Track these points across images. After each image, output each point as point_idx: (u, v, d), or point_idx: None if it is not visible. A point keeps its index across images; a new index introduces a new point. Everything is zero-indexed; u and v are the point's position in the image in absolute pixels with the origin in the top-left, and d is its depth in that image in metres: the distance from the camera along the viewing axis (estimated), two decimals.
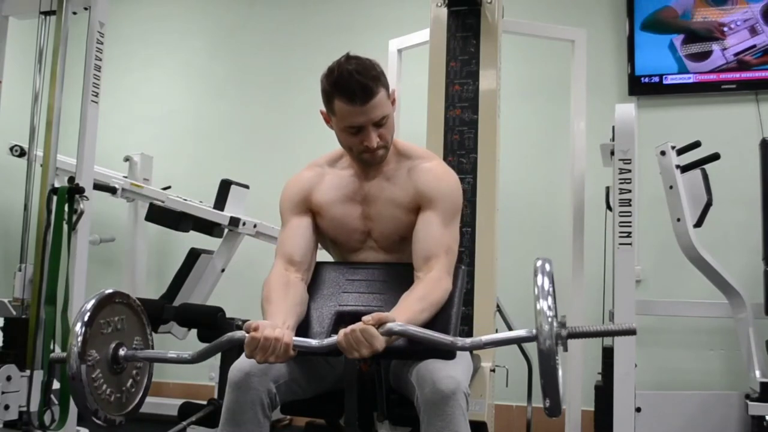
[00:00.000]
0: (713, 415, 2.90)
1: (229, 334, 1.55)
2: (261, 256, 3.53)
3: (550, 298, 1.34)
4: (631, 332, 1.38)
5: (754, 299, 2.94)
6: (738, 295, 2.94)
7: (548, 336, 1.30)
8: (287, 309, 1.62)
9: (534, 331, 1.34)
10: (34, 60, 3.02)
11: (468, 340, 1.47)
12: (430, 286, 1.65)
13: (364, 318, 1.46)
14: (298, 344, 1.51)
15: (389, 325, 1.46)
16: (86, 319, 1.52)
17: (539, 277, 1.37)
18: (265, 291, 1.69)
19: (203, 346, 1.59)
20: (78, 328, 1.50)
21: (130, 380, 1.64)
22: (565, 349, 1.35)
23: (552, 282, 1.36)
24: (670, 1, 3.57)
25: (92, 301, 1.55)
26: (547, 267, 1.38)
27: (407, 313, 1.55)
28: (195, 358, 1.58)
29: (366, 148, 1.75)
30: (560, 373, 1.33)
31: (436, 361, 1.55)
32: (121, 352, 1.59)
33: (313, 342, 1.53)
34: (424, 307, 1.60)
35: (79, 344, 1.48)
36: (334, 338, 1.48)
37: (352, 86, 1.67)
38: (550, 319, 1.31)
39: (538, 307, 1.33)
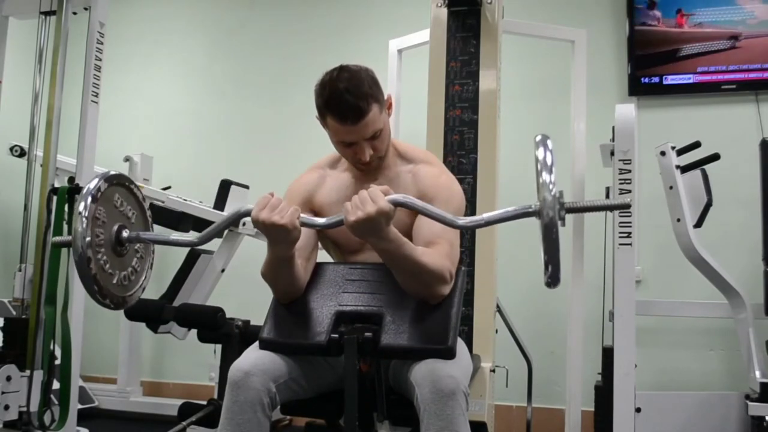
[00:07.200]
0: (713, 416, 2.90)
1: (237, 208, 1.59)
2: (261, 256, 3.52)
3: (552, 172, 1.34)
4: (625, 206, 1.39)
5: (754, 299, 2.94)
6: (738, 296, 2.94)
7: (551, 207, 1.30)
8: None
9: (535, 205, 1.34)
10: (34, 60, 3.03)
11: (468, 219, 1.50)
12: (429, 253, 1.64)
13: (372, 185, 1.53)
14: (304, 220, 1.58)
15: (394, 195, 1.52)
16: (93, 191, 1.50)
17: (540, 150, 1.35)
18: (263, 268, 1.73)
19: (205, 346, 1.58)
20: (85, 200, 1.49)
21: (130, 268, 1.63)
22: (563, 224, 1.33)
23: (553, 156, 1.35)
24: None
25: (99, 178, 1.54)
26: (548, 141, 1.37)
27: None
28: (199, 240, 1.61)
29: (359, 159, 1.77)
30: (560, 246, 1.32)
31: (436, 361, 1.55)
32: (124, 233, 1.58)
33: (319, 220, 1.60)
34: (419, 254, 1.60)
35: (87, 214, 1.47)
36: (340, 214, 1.53)
37: (342, 107, 1.68)
38: (552, 191, 1.31)
39: (540, 180, 1.33)
